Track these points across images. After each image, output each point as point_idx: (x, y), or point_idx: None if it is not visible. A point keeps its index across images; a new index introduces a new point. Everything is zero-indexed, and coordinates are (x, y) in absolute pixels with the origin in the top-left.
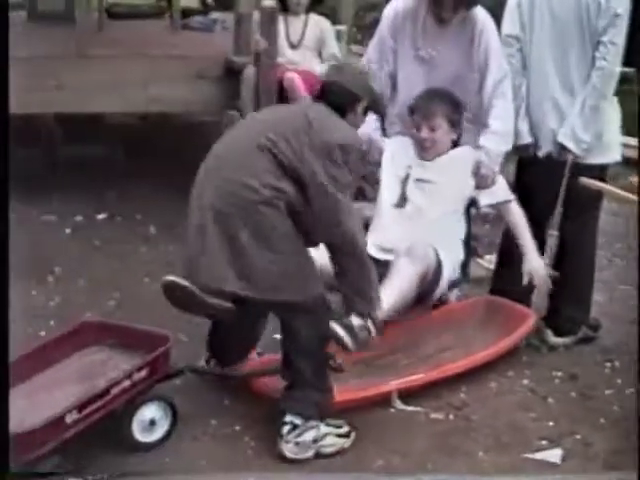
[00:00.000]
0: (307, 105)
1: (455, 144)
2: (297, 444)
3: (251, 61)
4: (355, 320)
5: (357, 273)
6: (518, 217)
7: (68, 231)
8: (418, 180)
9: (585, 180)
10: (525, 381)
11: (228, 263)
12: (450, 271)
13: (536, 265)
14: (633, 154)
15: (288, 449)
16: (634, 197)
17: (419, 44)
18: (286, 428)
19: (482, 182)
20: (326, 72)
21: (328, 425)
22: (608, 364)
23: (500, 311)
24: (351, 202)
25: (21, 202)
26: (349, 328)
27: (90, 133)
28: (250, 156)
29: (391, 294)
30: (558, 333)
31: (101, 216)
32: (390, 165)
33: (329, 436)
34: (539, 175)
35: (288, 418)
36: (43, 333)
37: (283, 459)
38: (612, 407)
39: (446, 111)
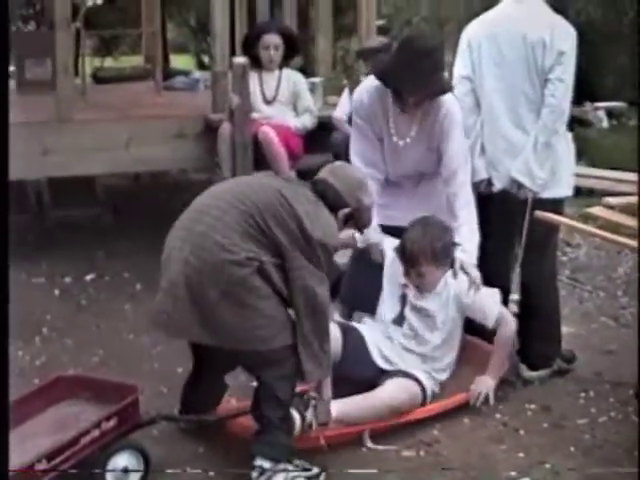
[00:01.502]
0: (294, 186)
1: None
2: None
3: (227, 118)
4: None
5: (313, 336)
6: (510, 334)
7: (57, 292)
8: (414, 305)
9: (541, 214)
10: (498, 415)
11: (194, 314)
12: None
13: (484, 385)
14: (590, 184)
15: None
16: (590, 229)
17: (393, 131)
18: (255, 473)
19: (470, 280)
20: (322, 170)
21: (297, 467)
22: (582, 394)
23: (474, 351)
24: (324, 274)
25: (11, 265)
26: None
27: (81, 195)
28: (228, 216)
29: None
30: (532, 367)
31: (89, 276)
32: (389, 275)
33: (299, 478)
34: (494, 211)
35: (257, 462)
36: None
37: None
38: (584, 436)
39: (431, 255)
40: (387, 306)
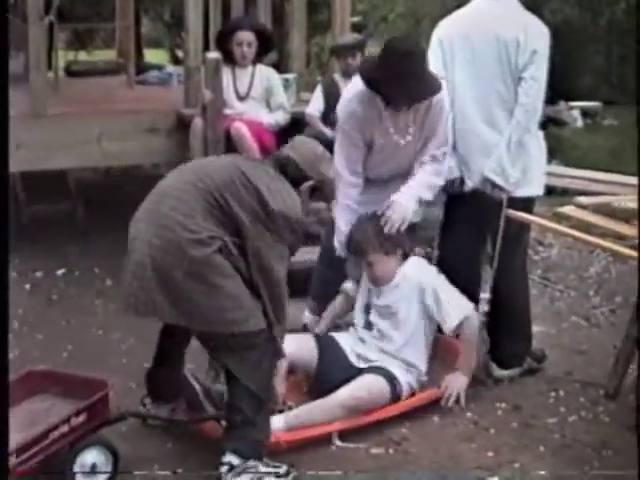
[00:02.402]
0: (255, 164)
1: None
2: None
3: (199, 113)
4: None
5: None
6: (474, 331)
7: (28, 287)
8: (377, 306)
9: (512, 212)
10: (469, 414)
11: (163, 295)
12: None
13: (457, 382)
14: (563, 183)
15: None
16: (562, 228)
17: (392, 131)
18: (224, 468)
19: (386, 225)
20: (284, 147)
21: (267, 465)
22: (553, 393)
23: (445, 348)
24: (286, 250)
25: None
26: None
27: (52, 190)
28: (189, 196)
29: None
30: (502, 366)
31: (60, 271)
32: (362, 283)
33: (267, 476)
34: (465, 210)
35: (226, 458)
36: None
37: None
38: (554, 435)
39: (376, 244)
40: (357, 312)
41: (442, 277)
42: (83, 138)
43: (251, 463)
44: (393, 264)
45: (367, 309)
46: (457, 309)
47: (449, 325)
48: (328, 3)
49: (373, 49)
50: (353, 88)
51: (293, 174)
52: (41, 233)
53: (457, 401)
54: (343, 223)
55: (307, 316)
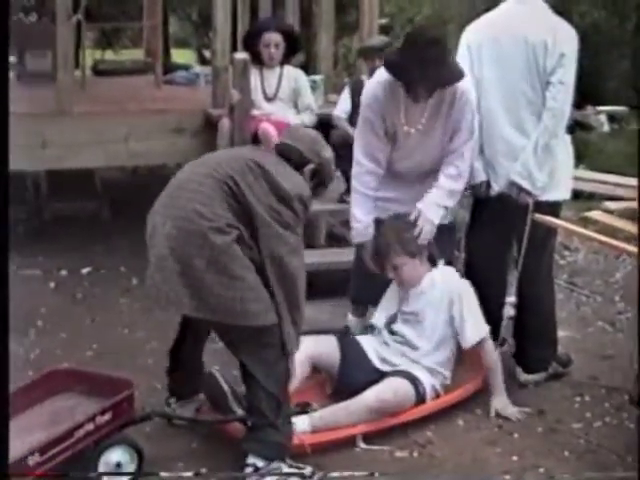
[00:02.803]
0: (262, 152)
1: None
2: None
3: (226, 113)
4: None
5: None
6: (493, 353)
7: (52, 285)
8: (403, 312)
9: (539, 217)
10: (493, 418)
11: (184, 287)
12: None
13: (502, 406)
14: (590, 188)
15: None
16: (589, 232)
17: (404, 121)
18: (249, 469)
19: (419, 234)
20: (282, 134)
21: (291, 466)
22: (578, 398)
23: (469, 353)
24: (299, 242)
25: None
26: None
27: (79, 188)
28: (205, 186)
29: None
30: (528, 370)
31: (85, 270)
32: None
33: (292, 477)
34: (492, 214)
35: (250, 460)
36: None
37: None
38: (578, 440)
39: (399, 244)
40: (381, 318)
41: (471, 291)
42: (110, 137)
43: (275, 465)
44: (419, 267)
45: (393, 318)
46: (476, 328)
47: (466, 343)
48: (356, 5)
49: None
50: (378, 76)
51: (295, 160)
52: (66, 231)
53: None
54: (360, 211)
55: (350, 319)
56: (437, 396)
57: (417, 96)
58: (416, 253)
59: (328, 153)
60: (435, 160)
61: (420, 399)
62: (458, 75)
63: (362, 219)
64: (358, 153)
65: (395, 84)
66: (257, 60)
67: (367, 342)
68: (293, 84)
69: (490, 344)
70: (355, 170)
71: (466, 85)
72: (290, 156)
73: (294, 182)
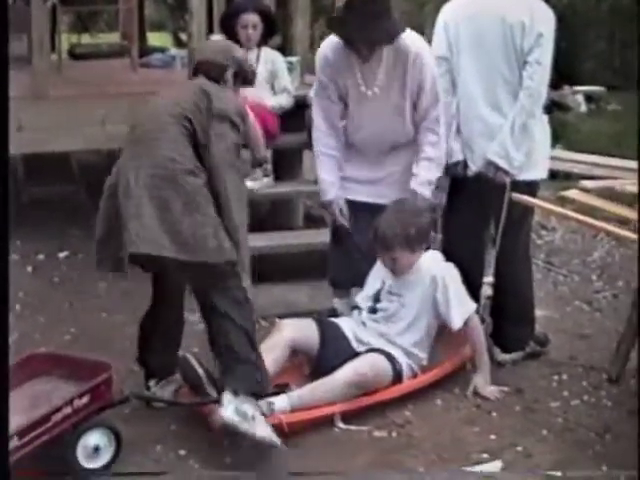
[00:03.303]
0: (199, 81)
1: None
2: (236, 411)
3: None
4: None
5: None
6: (479, 331)
7: (30, 269)
8: (389, 292)
9: (516, 196)
10: (471, 397)
11: (164, 232)
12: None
13: (481, 384)
14: (567, 167)
15: (227, 415)
16: (566, 211)
17: (360, 82)
18: (227, 397)
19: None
20: (196, 51)
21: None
22: (555, 377)
23: (446, 332)
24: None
25: None
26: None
27: (55, 172)
28: (168, 132)
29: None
30: (505, 350)
31: (63, 254)
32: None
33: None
34: (469, 193)
35: (227, 390)
36: None
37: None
38: (556, 419)
39: (404, 240)
40: (365, 298)
41: (455, 272)
42: (86, 120)
43: (252, 399)
44: (416, 258)
45: (377, 297)
46: (462, 308)
47: (454, 325)
48: None
49: None
50: (329, 39)
51: (215, 72)
52: (43, 216)
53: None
54: (323, 171)
55: (336, 301)
56: (414, 375)
57: (361, 54)
58: (417, 248)
59: (239, 52)
60: (397, 132)
61: (397, 376)
62: (397, 32)
63: (325, 178)
64: (317, 117)
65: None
66: (234, 42)
67: (346, 324)
68: (270, 66)
69: (476, 321)
70: (315, 135)
71: (421, 47)
72: (210, 72)
73: (230, 99)
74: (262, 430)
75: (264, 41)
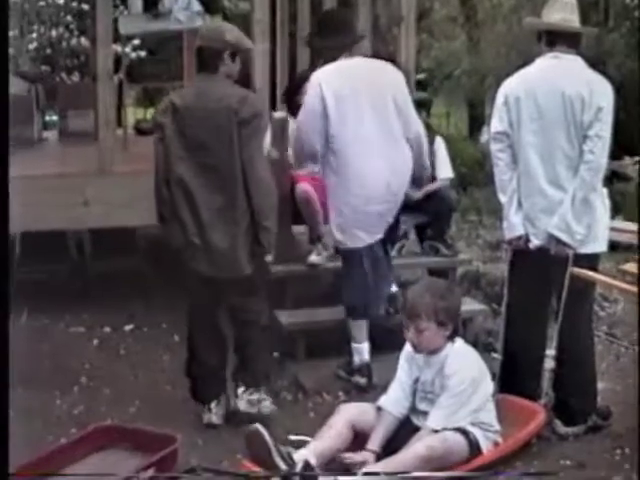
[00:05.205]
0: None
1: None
2: (249, 401)
3: None
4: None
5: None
6: (430, 449)
7: (96, 342)
8: (423, 391)
9: (577, 270)
10: (532, 471)
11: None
12: None
13: None
14: (623, 238)
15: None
16: (625, 285)
17: None
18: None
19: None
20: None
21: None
22: (618, 451)
23: (511, 408)
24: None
25: (51, 314)
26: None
27: (121, 246)
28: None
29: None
30: (567, 423)
31: (128, 327)
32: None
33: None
34: (530, 267)
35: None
36: (64, 440)
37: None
38: None
39: (432, 311)
40: (394, 397)
41: (470, 377)
42: (151, 195)
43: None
44: (441, 337)
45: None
46: (450, 417)
47: (429, 423)
48: (393, 60)
49: (438, 108)
50: None
51: (214, 58)
52: (109, 289)
53: None
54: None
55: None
56: (495, 444)
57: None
58: (444, 323)
59: (232, 33)
60: None
61: (474, 448)
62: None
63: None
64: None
65: None
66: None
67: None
68: None
69: (441, 440)
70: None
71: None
72: (208, 60)
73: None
74: (266, 406)
75: None
